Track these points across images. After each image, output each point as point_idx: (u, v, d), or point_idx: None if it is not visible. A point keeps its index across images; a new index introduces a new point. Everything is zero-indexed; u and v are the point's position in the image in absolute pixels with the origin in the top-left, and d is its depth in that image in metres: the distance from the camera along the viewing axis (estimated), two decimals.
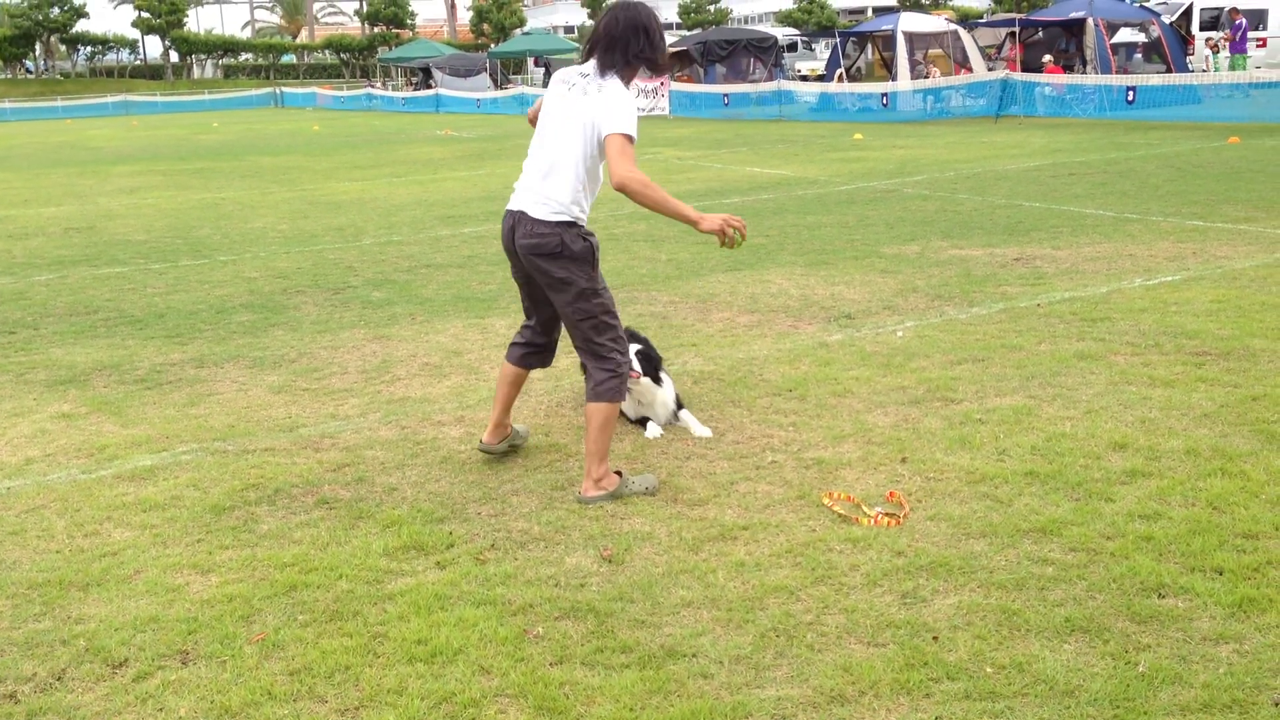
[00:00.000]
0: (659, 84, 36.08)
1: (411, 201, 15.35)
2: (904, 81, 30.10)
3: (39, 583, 4.01)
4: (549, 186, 4.48)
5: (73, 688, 3.31)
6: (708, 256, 10.08)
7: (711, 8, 68.71)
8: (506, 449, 5.12)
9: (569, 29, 72.91)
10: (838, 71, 33.93)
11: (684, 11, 68.38)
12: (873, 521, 4.18)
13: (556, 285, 4.53)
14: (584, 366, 4.78)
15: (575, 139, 4.44)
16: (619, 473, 4.67)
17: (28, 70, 73.46)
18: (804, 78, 40.04)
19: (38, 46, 72.39)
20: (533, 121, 4.78)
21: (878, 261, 9.55)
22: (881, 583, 3.74)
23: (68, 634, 3.62)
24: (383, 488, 4.84)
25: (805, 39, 51.21)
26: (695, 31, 57.24)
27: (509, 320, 7.94)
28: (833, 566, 3.87)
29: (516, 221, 4.56)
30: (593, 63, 4.51)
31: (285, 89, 65.19)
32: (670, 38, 47.19)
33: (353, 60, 73.63)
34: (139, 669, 3.39)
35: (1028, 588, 3.64)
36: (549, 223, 4.47)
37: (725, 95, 34.14)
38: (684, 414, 5.44)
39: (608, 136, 4.33)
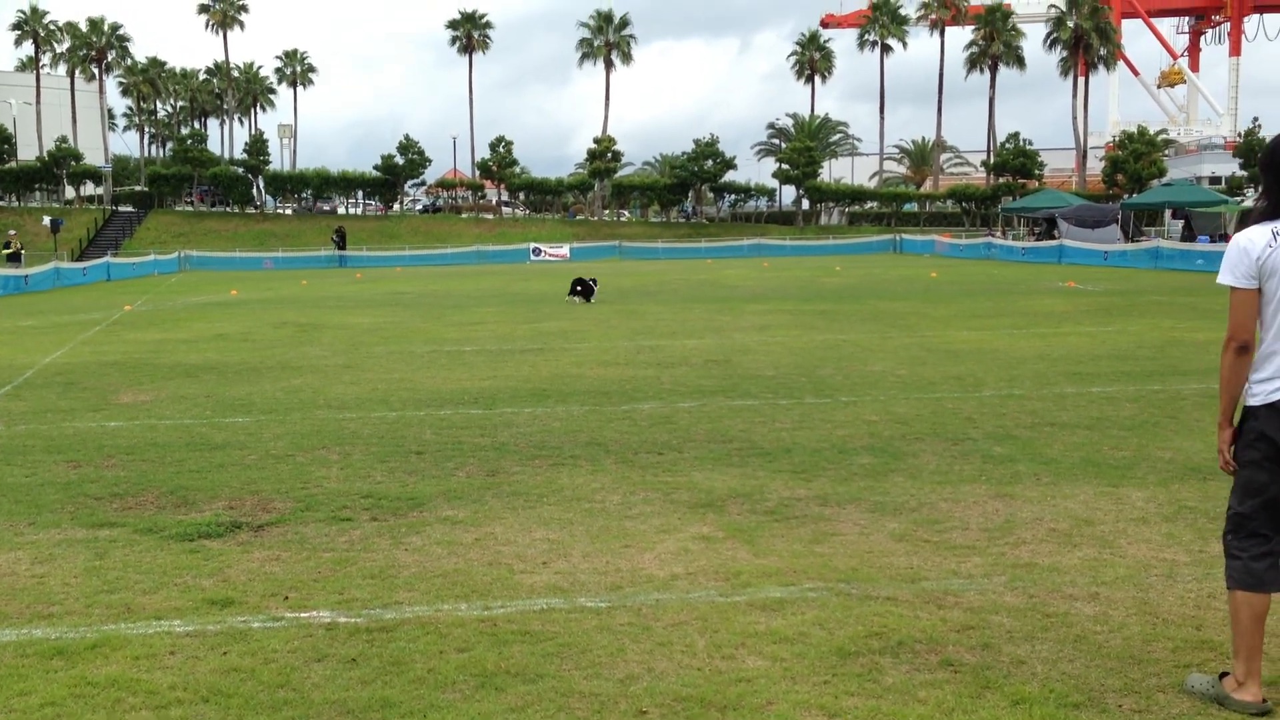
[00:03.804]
0: None
1: (1033, 355, 14.94)
2: None
3: (683, 696, 4.26)
4: None
5: None
6: None
7: None
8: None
9: (1215, 180, 68.02)
10: None
11: None
12: None
13: None
14: None
15: None
16: None
17: (683, 214, 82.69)
18: None
19: (690, 194, 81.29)
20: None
21: None
22: None
23: None
24: (1010, 658, 4.60)
25: None
26: None
27: (1146, 493, 7.36)
28: None
29: None
30: None
31: (904, 235, 67.29)
32: None
33: (974, 209, 74.39)
34: None
35: None
36: None
37: None
38: None
39: None
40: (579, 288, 27.01)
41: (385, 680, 4.48)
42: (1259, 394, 4.15)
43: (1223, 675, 4.25)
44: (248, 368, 14.92)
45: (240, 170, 77.74)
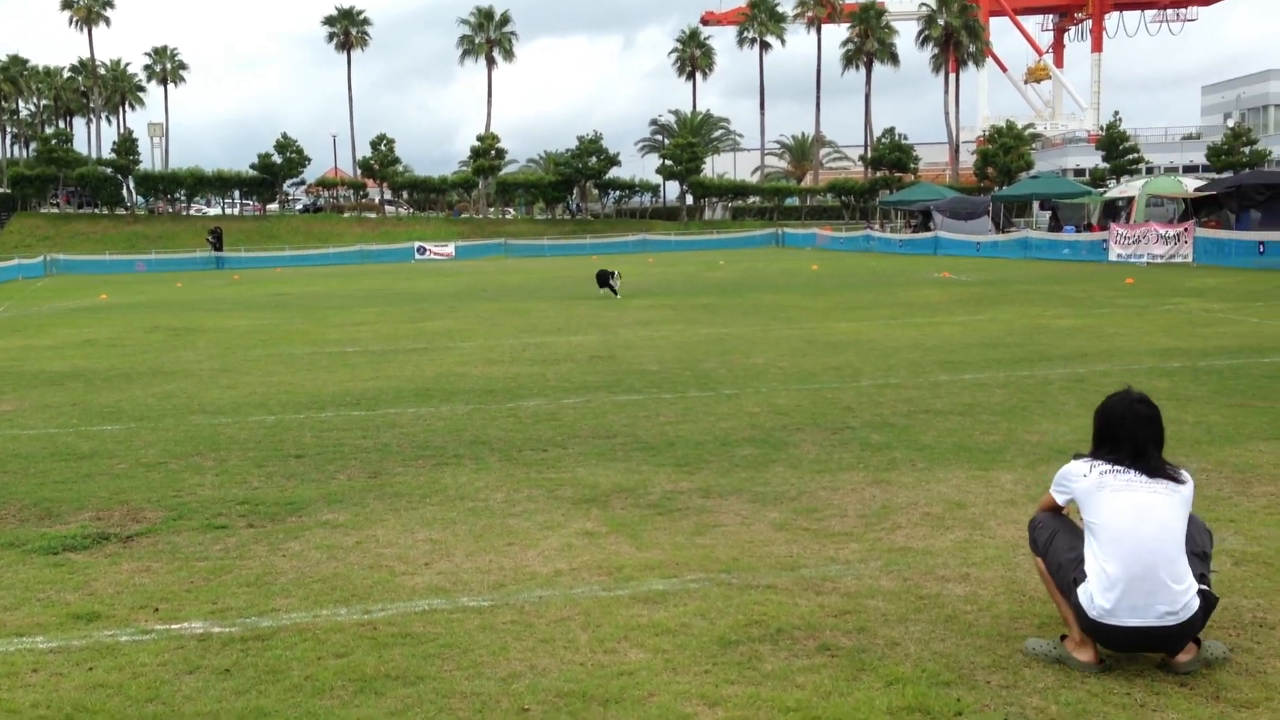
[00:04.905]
0: (1182, 230, 33.79)
1: (909, 344, 15.29)
2: None
3: (565, 692, 4.26)
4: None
5: None
6: (1245, 422, 9.11)
7: (1247, 150, 63.69)
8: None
9: (1079, 172, 70.45)
10: None
11: (1213, 153, 63.90)
12: None
13: None
14: None
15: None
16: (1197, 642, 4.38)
17: (569, 211, 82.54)
18: None
19: (575, 191, 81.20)
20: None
21: None
22: None
23: None
24: (885, 640, 4.71)
25: None
26: (1227, 175, 53.20)
27: (1014, 475, 7.60)
28: None
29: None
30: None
31: (787, 229, 68.26)
32: (1196, 181, 44.20)
33: (853, 202, 75.74)
34: None
35: None
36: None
37: (1261, 243, 31.29)
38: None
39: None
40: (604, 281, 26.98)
41: (260, 690, 4.38)
42: (1095, 609, 4.34)
43: (1063, 637, 4.52)
44: (118, 374, 14.45)
45: (109, 170, 75.16)
